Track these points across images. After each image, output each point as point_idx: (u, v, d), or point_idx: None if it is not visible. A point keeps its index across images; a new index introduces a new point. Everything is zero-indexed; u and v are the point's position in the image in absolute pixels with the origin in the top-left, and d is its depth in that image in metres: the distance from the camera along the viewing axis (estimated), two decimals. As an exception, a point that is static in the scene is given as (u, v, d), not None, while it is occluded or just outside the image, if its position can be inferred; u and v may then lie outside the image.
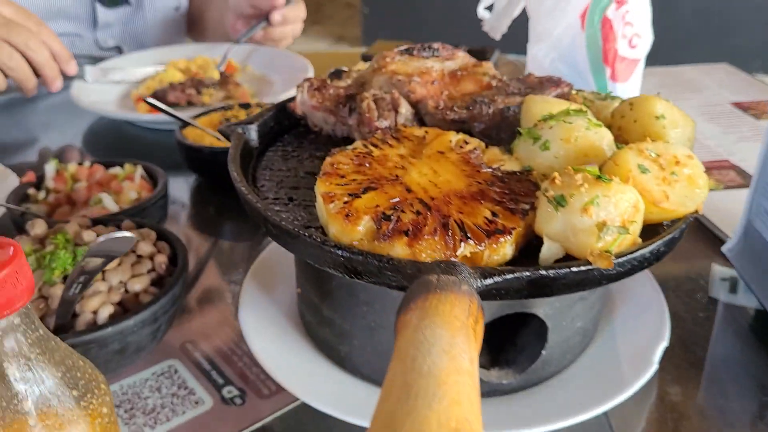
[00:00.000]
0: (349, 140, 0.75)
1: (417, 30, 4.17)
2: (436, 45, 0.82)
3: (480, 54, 1.65)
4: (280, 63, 1.48)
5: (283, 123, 0.78)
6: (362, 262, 0.51)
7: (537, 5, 1.00)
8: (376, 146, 0.62)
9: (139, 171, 0.90)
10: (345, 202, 0.54)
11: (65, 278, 0.66)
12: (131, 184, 0.88)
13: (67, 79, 1.30)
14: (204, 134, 1.08)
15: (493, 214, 0.53)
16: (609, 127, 0.61)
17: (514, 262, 0.53)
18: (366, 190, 0.56)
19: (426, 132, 0.65)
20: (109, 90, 1.40)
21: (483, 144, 0.64)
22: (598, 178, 0.50)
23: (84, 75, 1.36)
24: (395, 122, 0.71)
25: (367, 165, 0.59)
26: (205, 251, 0.91)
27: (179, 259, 0.71)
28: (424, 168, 0.59)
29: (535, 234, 0.53)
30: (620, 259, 0.50)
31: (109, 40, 1.64)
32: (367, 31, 4.62)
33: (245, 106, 1.14)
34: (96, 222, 0.76)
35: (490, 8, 1.18)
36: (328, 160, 0.60)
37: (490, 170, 0.59)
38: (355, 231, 0.52)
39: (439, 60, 0.81)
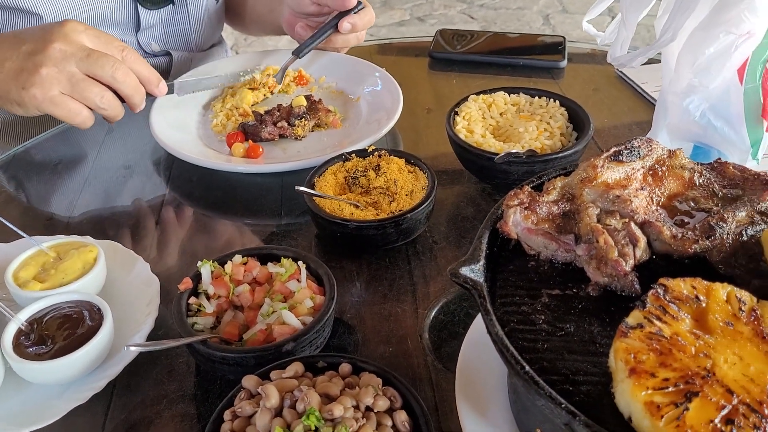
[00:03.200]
0: (571, 266, 0.72)
1: None
2: (636, 143, 0.78)
3: (553, 47, 1.58)
4: (358, 75, 1.39)
5: (492, 247, 0.74)
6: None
7: (688, 59, 0.95)
8: (659, 319, 0.60)
9: (304, 271, 0.85)
10: (677, 418, 0.52)
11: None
12: (299, 286, 0.83)
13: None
14: (331, 186, 1.03)
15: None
16: None
17: None
18: (689, 396, 0.54)
19: (693, 288, 0.63)
20: (184, 117, 1.30)
21: (753, 298, 0.62)
22: None
23: (173, 90, 1.28)
24: (635, 258, 0.68)
25: (668, 352, 0.57)
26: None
27: (415, 411, 0.68)
28: (727, 354, 0.57)
29: None
30: None
31: (151, 43, 1.50)
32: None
33: (362, 153, 1.07)
34: (305, 363, 0.72)
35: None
36: (622, 345, 0.58)
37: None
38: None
39: (640, 159, 0.77)
